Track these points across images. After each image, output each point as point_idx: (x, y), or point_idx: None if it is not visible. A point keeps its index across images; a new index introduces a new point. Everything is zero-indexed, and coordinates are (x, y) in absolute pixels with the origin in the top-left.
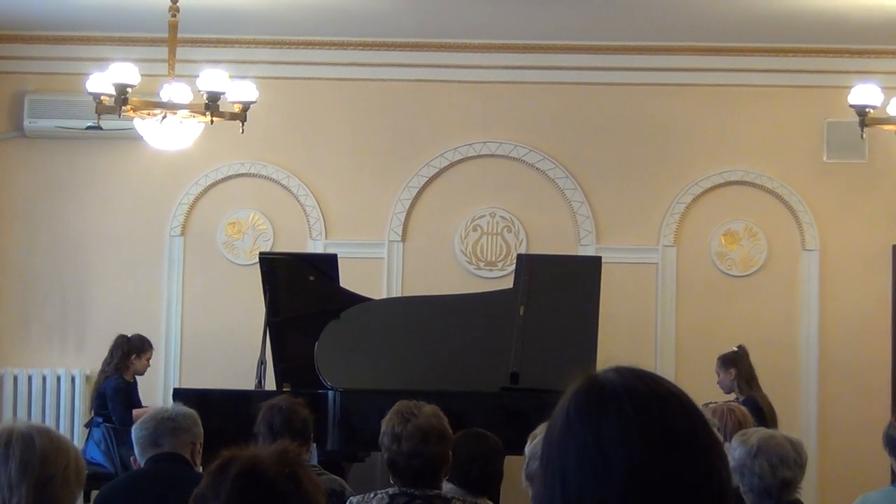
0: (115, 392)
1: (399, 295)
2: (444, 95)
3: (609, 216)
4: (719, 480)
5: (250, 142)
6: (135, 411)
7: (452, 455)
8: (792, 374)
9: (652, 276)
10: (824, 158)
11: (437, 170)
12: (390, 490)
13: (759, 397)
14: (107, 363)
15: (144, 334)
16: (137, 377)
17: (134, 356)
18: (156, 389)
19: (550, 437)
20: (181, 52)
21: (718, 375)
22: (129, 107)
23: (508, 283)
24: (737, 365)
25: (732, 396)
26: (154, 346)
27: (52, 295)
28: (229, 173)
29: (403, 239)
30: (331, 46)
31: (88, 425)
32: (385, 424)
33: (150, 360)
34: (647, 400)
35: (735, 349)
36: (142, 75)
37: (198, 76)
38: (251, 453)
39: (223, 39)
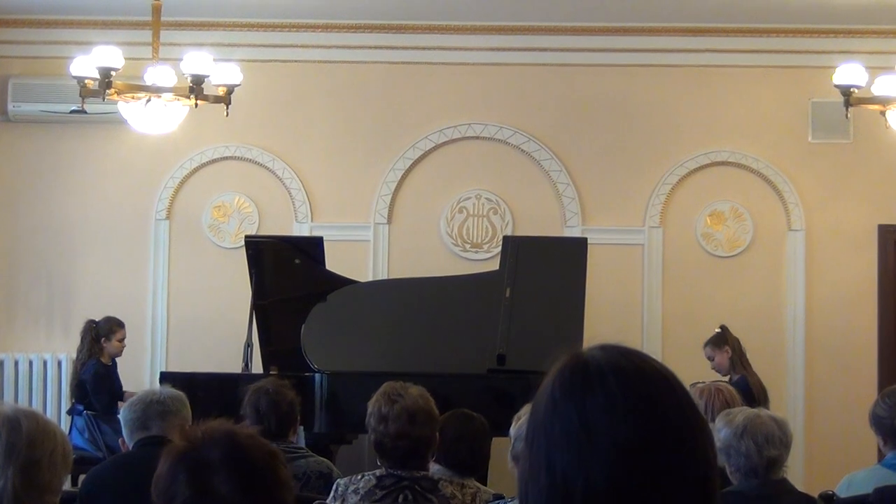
0: (94, 378)
1: (385, 277)
2: (430, 78)
3: (595, 197)
4: (705, 458)
5: (235, 125)
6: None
7: (439, 436)
8: (778, 354)
9: (638, 257)
10: (809, 139)
11: (422, 152)
12: (377, 472)
13: (750, 377)
14: (79, 350)
15: (129, 318)
16: (117, 360)
17: (103, 339)
18: (142, 373)
19: (535, 415)
20: (165, 35)
21: (712, 360)
22: (113, 90)
23: (494, 265)
24: (729, 342)
25: (728, 378)
26: (140, 329)
27: (37, 279)
28: (214, 156)
29: (389, 221)
30: (315, 29)
31: (70, 412)
32: (371, 406)
33: (125, 341)
34: (632, 377)
35: (718, 330)
36: (126, 59)
37: (182, 59)
38: (192, 444)
39: (207, 22)
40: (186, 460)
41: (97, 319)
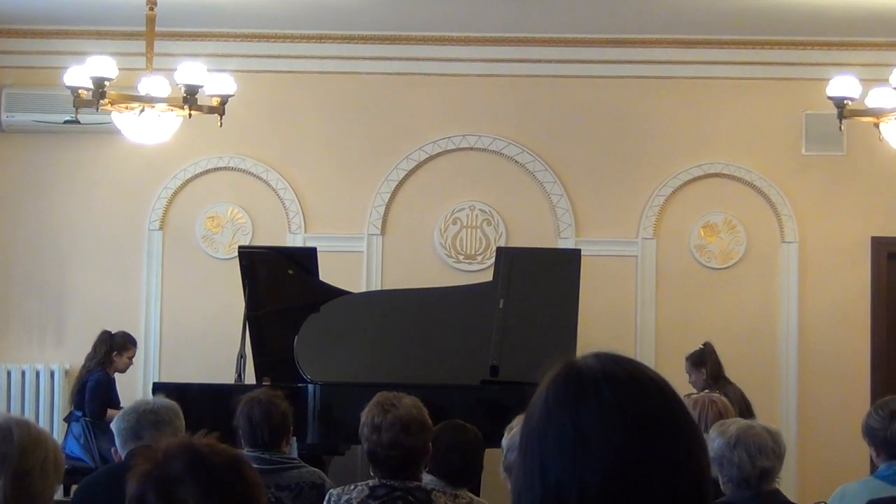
0: (95, 386)
1: (378, 288)
2: (423, 88)
3: (588, 209)
4: (698, 466)
5: (229, 135)
6: (110, 411)
7: (432, 446)
8: (771, 366)
9: (631, 268)
10: (803, 151)
11: (416, 163)
12: (370, 482)
13: (730, 393)
14: (89, 358)
15: (125, 329)
16: (118, 374)
17: (115, 353)
18: (135, 384)
19: (529, 423)
20: (159, 45)
21: (690, 376)
22: (106, 100)
23: (488, 277)
24: (706, 364)
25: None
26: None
27: (31, 290)
28: (208, 167)
29: (383, 232)
30: (309, 40)
31: (67, 419)
32: (365, 415)
33: (133, 359)
34: (626, 385)
35: (701, 347)
36: (120, 69)
37: (176, 70)
38: (158, 464)
39: (201, 33)
40: (152, 479)
41: (113, 331)
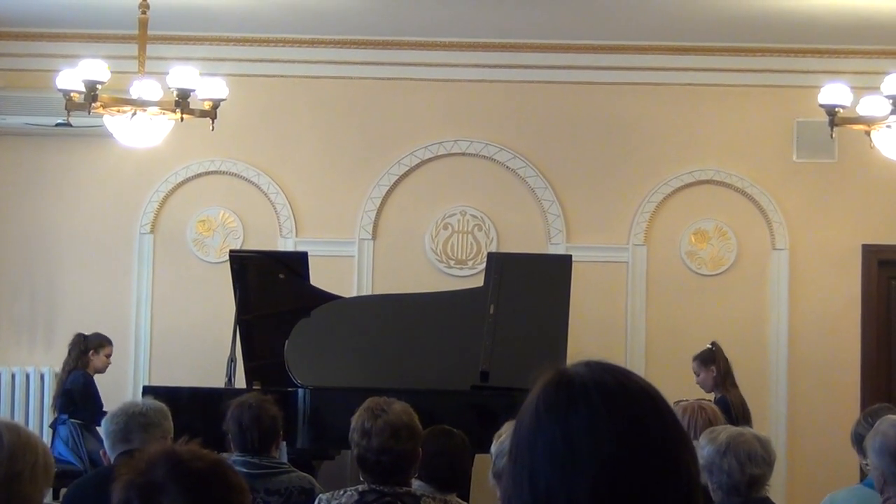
0: (84, 387)
1: (369, 293)
2: (415, 94)
3: (579, 215)
4: (688, 475)
5: (220, 139)
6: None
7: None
8: (761, 373)
9: (622, 274)
10: (794, 158)
11: (407, 168)
12: (360, 487)
13: (731, 397)
14: (66, 362)
15: (112, 332)
16: (99, 376)
17: (91, 352)
18: (125, 387)
19: (519, 431)
20: (151, 48)
21: (698, 375)
22: (98, 104)
23: (479, 282)
24: (717, 362)
25: (712, 396)
26: (123, 343)
27: (21, 293)
28: (199, 171)
29: (374, 237)
30: (301, 44)
31: (53, 425)
32: (355, 420)
33: (111, 357)
34: (616, 394)
35: (709, 346)
36: (112, 72)
37: (168, 73)
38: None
39: (194, 37)
40: (135, 488)
41: (87, 334)
